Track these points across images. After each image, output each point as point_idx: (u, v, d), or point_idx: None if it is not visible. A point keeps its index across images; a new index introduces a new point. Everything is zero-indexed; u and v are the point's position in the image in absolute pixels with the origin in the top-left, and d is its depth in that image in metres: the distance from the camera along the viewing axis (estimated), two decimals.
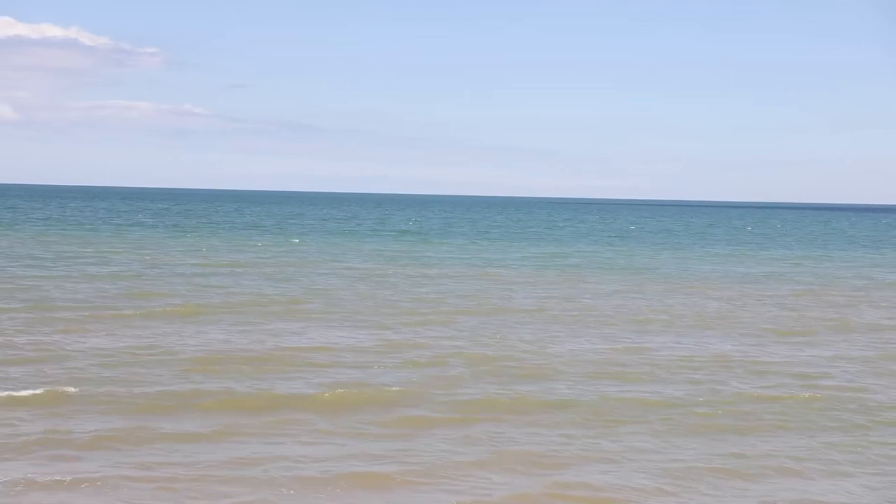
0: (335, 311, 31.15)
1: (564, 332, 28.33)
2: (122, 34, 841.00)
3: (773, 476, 15.12)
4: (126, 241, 64.78)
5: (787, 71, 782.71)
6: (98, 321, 27.26)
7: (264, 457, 15.09)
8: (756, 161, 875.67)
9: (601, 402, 19.27)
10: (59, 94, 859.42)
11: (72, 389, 18.70)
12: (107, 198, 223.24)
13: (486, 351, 24.66)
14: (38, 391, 18.47)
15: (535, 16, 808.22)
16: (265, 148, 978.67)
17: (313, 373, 21.31)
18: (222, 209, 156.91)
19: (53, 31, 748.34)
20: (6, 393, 18.28)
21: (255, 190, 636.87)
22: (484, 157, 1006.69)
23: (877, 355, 25.93)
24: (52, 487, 13.49)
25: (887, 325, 32.10)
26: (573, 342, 26.67)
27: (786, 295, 40.31)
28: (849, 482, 14.97)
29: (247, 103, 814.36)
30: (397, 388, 19.85)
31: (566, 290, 39.77)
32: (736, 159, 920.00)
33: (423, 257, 57.66)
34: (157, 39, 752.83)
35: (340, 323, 28.77)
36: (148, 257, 50.33)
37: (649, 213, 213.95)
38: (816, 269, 55.43)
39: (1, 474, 13.87)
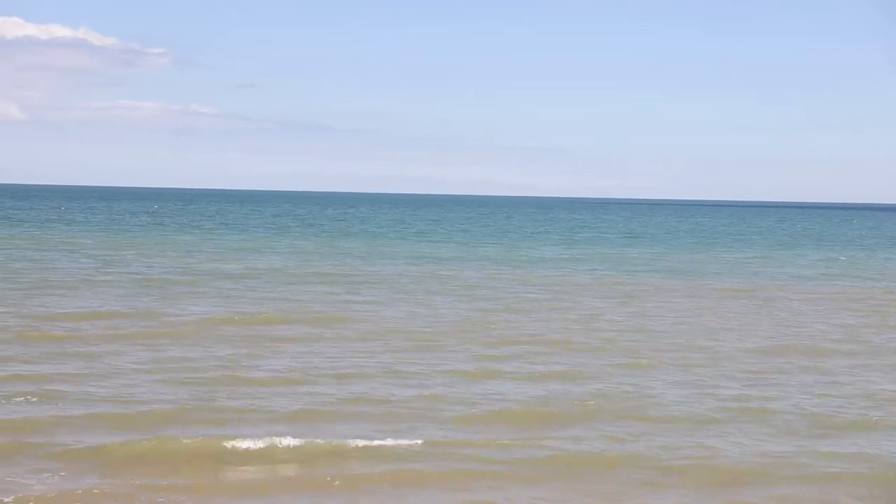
0: None
1: None
2: (129, 34, 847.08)
3: None
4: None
5: (790, 71, 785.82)
6: None
7: None
8: (760, 160, 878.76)
9: None
10: (66, 94, 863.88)
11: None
12: (137, 198, 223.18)
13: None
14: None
15: (535, 16, 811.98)
16: (270, 147, 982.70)
17: None
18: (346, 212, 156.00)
19: (62, 31, 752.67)
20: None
21: (268, 190, 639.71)
22: (488, 157, 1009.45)
23: None
24: None
25: None
26: None
27: None
28: None
29: (253, 103, 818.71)
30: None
31: None
32: (740, 158, 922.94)
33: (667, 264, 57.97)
34: (164, 39, 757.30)
35: None
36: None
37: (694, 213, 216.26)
38: None
39: None
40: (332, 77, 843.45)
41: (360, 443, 17.15)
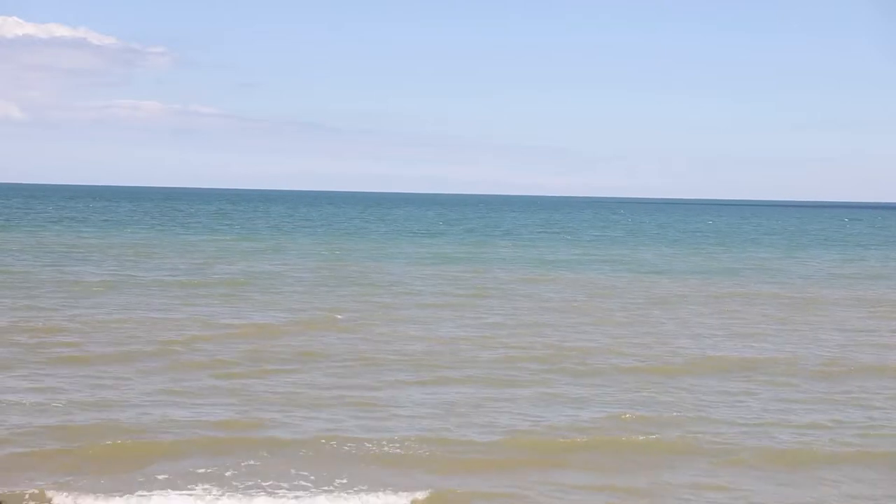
0: None
1: None
2: (130, 34, 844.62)
3: None
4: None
5: (790, 71, 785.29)
6: None
7: None
8: (760, 160, 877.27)
9: None
10: (66, 94, 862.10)
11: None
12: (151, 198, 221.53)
13: None
14: None
15: (536, 16, 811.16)
16: (270, 147, 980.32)
17: None
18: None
19: (61, 31, 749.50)
20: None
21: (267, 189, 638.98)
22: (487, 156, 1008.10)
23: None
24: None
25: None
26: None
27: None
28: None
29: (253, 102, 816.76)
30: None
31: None
32: (740, 158, 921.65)
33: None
34: (164, 39, 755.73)
35: None
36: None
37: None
38: None
39: None
40: (336, 76, 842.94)
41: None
